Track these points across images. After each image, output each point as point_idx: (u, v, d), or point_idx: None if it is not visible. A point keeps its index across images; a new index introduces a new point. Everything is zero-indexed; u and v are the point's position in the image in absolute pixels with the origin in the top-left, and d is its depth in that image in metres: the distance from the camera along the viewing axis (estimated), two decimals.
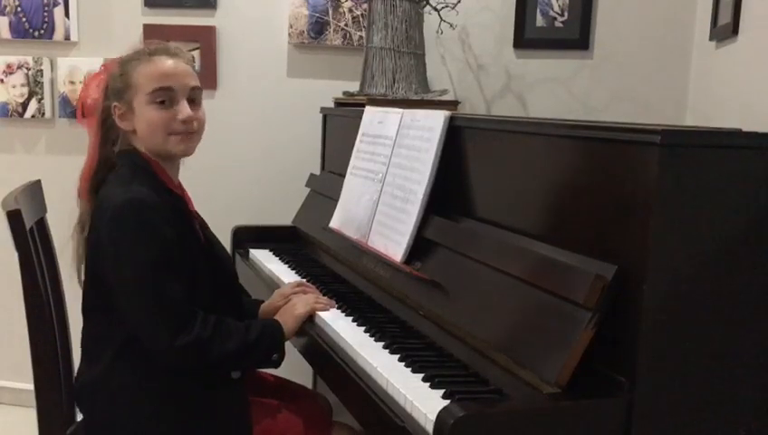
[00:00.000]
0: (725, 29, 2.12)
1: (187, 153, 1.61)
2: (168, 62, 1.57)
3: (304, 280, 1.97)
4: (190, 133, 1.58)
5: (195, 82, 1.60)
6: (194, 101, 1.59)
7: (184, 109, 1.56)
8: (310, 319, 1.69)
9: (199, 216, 1.68)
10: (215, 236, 1.71)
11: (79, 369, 1.63)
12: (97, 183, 1.59)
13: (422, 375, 1.34)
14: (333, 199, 2.11)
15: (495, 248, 1.44)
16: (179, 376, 1.50)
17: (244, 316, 1.64)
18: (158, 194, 1.51)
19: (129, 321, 1.49)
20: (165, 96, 1.55)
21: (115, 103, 1.58)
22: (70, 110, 2.89)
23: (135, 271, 1.44)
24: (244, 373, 1.58)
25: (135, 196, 1.46)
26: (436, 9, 2.47)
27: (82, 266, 1.60)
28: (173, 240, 1.47)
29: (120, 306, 1.49)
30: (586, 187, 1.29)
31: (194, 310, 1.47)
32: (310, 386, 2.36)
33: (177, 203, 1.58)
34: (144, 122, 1.56)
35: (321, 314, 1.69)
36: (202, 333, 1.45)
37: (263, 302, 1.82)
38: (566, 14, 2.62)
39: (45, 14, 2.86)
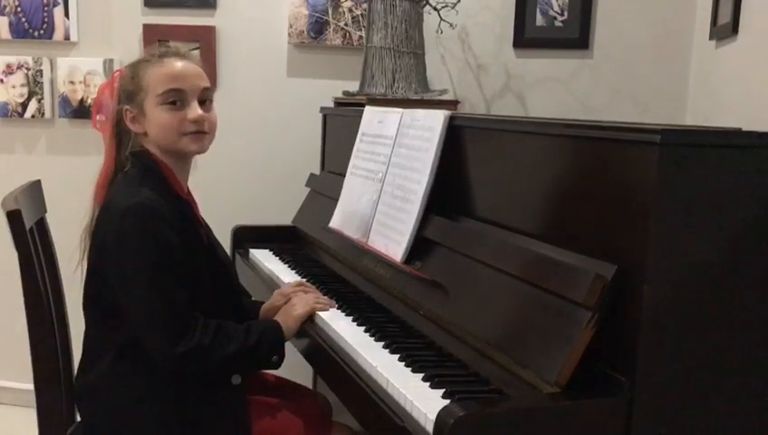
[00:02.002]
0: (725, 29, 2.12)
1: (201, 151, 1.61)
2: (178, 64, 1.57)
3: (304, 280, 1.97)
4: (202, 133, 1.58)
5: (205, 82, 1.60)
6: (204, 102, 1.60)
7: (194, 109, 1.56)
8: (310, 319, 1.69)
9: (204, 221, 1.68)
10: (217, 241, 1.71)
11: (78, 370, 1.63)
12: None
13: (422, 375, 1.34)
14: (333, 199, 2.11)
15: (495, 248, 1.44)
16: (179, 378, 1.50)
17: (245, 319, 1.64)
18: (165, 198, 1.51)
19: (131, 324, 1.49)
20: (176, 97, 1.55)
21: (126, 106, 1.58)
22: (70, 110, 2.89)
23: (138, 276, 1.44)
24: (244, 378, 1.58)
25: (141, 200, 1.46)
26: (435, 9, 2.47)
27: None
28: (177, 246, 1.47)
29: (122, 309, 1.49)
30: (586, 186, 1.29)
31: (195, 315, 1.47)
32: (310, 386, 2.36)
33: (184, 208, 1.57)
34: (155, 124, 1.56)
35: (321, 313, 1.69)
36: (203, 339, 1.45)
37: (263, 303, 1.82)
38: (566, 13, 2.62)
39: (45, 14, 2.86)
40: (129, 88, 1.59)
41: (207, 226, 1.69)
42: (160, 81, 1.55)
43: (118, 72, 1.67)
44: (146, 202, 1.46)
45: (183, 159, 1.62)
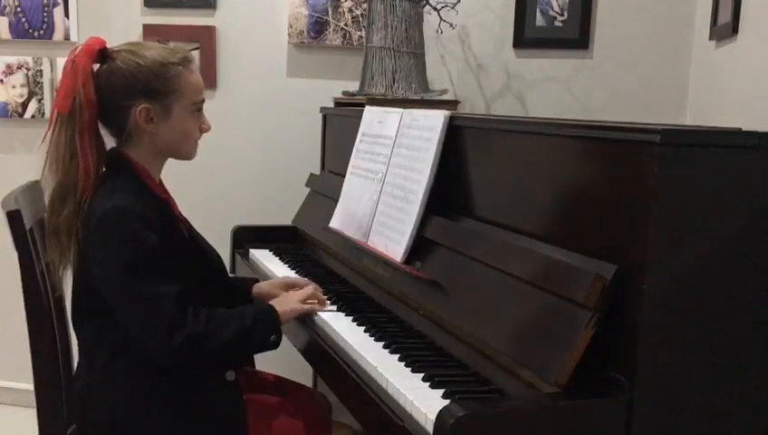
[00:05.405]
0: (725, 28, 2.12)
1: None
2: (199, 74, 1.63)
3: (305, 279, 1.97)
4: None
5: None
6: None
7: (206, 119, 1.63)
8: (310, 318, 1.69)
9: (183, 217, 1.67)
10: (199, 235, 1.71)
11: (74, 376, 1.63)
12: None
13: (422, 375, 1.34)
14: (333, 199, 2.11)
15: (495, 248, 1.44)
16: (174, 377, 1.50)
17: (237, 305, 1.63)
18: (142, 200, 1.50)
19: (123, 326, 1.49)
20: (201, 106, 1.61)
21: (146, 105, 1.53)
22: None
23: (120, 278, 1.44)
24: (238, 374, 1.58)
25: (116, 204, 1.46)
26: (435, 9, 2.47)
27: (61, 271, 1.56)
28: (157, 245, 1.46)
29: (111, 312, 1.48)
30: (586, 186, 1.29)
31: (183, 307, 1.46)
32: (310, 386, 2.36)
33: (161, 207, 1.57)
34: (180, 129, 1.57)
35: (321, 314, 1.69)
36: (196, 326, 1.45)
37: (256, 280, 1.84)
38: (566, 13, 2.62)
39: (45, 14, 2.86)
40: (157, 86, 1.52)
41: (187, 220, 1.69)
42: (196, 89, 1.58)
43: (119, 58, 1.52)
44: (120, 204, 1.46)
45: (164, 161, 1.64)
